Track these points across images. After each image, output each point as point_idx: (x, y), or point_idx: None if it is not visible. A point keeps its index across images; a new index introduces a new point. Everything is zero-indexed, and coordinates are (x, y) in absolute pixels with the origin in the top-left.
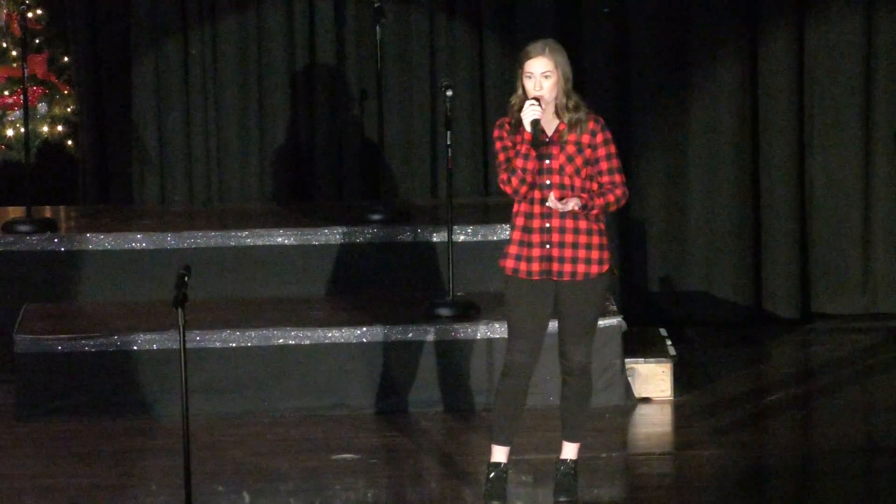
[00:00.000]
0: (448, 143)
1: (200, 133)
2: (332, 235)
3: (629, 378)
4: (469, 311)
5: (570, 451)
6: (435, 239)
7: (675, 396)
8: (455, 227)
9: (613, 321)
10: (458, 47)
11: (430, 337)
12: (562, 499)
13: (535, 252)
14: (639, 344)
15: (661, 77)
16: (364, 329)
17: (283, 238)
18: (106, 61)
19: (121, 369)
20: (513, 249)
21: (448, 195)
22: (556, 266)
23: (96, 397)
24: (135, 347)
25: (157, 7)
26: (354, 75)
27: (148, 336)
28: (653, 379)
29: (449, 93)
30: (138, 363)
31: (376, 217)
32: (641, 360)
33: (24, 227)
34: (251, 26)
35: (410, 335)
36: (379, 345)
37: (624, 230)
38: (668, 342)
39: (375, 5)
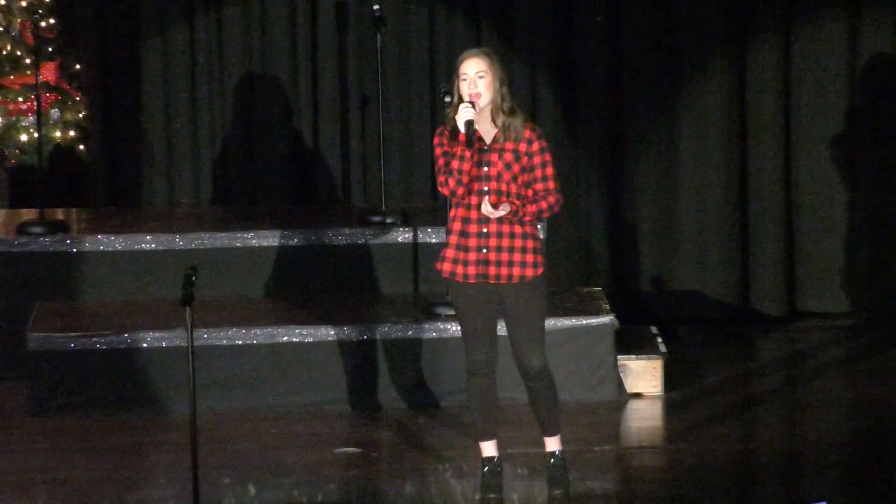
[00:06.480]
0: None
1: (206, 137)
2: (334, 237)
3: (621, 374)
4: None
5: (552, 444)
6: (434, 240)
7: (665, 392)
8: None
9: (606, 319)
10: (457, 54)
11: (430, 335)
12: (556, 491)
13: (472, 256)
14: (630, 341)
15: (652, 80)
16: (365, 327)
17: (286, 239)
18: (115, 68)
19: (130, 366)
20: (449, 253)
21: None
22: (492, 270)
23: (107, 393)
24: (144, 345)
25: (165, 17)
26: (356, 81)
27: (156, 334)
28: (644, 375)
29: (448, 99)
30: (147, 360)
31: (377, 219)
32: (633, 356)
33: (37, 229)
34: (255, 33)
35: (410, 333)
36: (380, 342)
37: (616, 231)
38: (659, 340)
39: (376, 14)
